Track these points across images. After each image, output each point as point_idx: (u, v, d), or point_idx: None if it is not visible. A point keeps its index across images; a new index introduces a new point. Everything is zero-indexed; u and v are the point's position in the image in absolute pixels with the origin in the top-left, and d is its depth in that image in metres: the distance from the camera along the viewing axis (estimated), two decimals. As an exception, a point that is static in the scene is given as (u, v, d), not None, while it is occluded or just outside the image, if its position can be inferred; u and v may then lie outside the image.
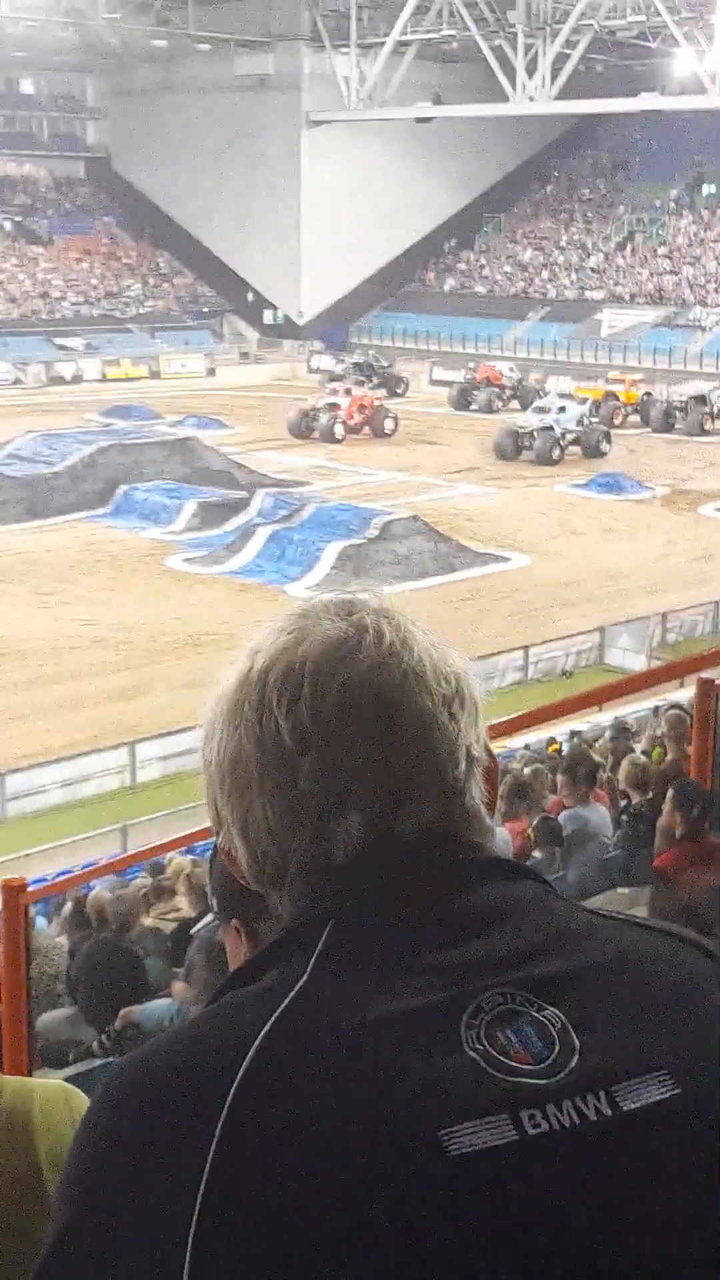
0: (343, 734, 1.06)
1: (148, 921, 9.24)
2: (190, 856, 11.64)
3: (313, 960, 1.01)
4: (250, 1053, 0.94)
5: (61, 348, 59.83)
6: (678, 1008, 1.01)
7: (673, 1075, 0.96)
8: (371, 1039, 0.95)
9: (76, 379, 57.72)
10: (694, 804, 5.80)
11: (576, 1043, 0.96)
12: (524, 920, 1.04)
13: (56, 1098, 2.41)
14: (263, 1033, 0.95)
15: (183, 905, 9.83)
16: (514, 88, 56.68)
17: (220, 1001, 1.03)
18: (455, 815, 1.10)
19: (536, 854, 8.29)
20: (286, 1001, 0.98)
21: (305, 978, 0.99)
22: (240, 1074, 0.93)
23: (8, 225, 67.05)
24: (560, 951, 1.02)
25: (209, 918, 7.12)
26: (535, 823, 8.77)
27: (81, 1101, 2.46)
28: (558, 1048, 0.95)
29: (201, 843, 11.35)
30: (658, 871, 5.79)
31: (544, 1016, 0.97)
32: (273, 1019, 0.96)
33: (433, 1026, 0.95)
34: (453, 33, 58.13)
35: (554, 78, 55.84)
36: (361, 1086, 0.92)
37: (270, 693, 1.08)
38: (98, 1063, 6.86)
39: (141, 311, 64.94)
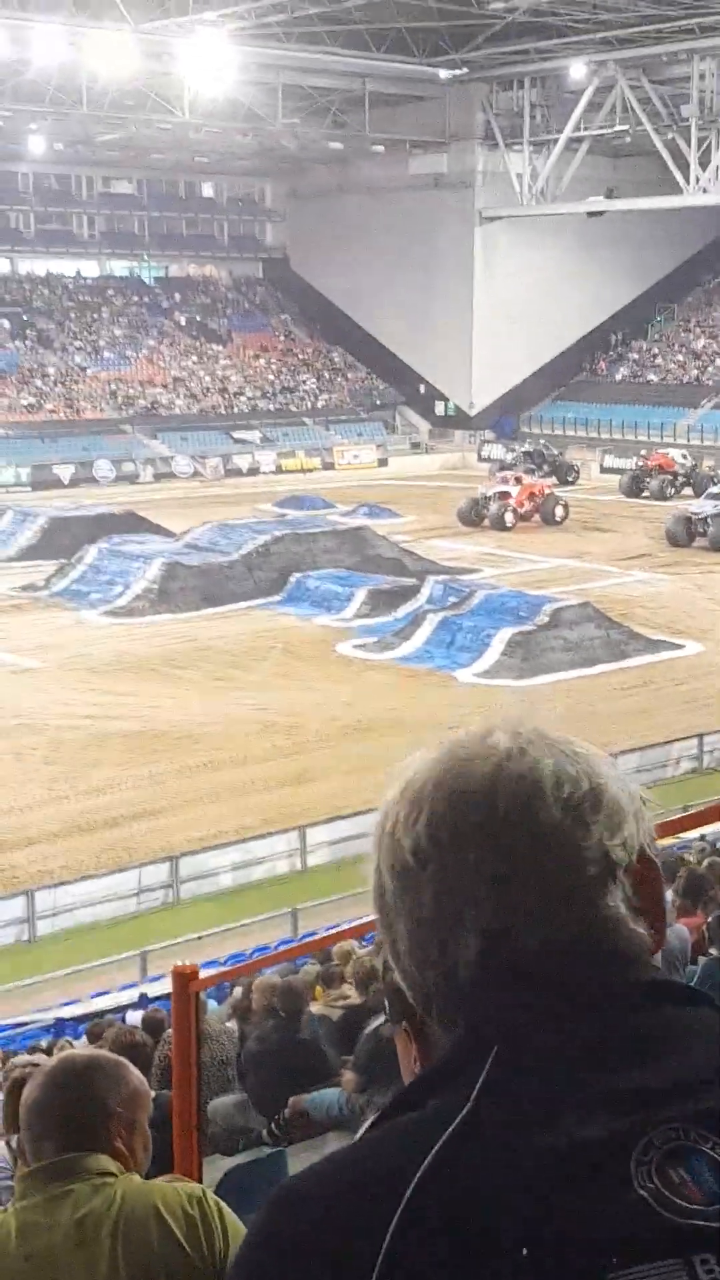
0: (456, 849, 1.05)
1: (316, 1008, 9.23)
2: (359, 943, 11.62)
3: (476, 1089, 0.97)
4: (411, 1187, 0.92)
5: (238, 441, 61.32)
6: None
7: None
8: (536, 1175, 0.91)
9: (253, 471, 59.03)
10: None
11: None
12: (698, 1049, 0.99)
13: (180, 1207, 2.37)
14: (424, 1166, 0.93)
15: (351, 993, 9.80)
16: (687, 180, 56.73)
17: (383, 1127, 1.01)
18: (590, 926, 1.06)
19: (712, 951, 8.08)
20: (449, 1134, 0.95)
21: (469, 1108, 0.96)
22: (401, 1209, 0.91)
23: (188, 324, 69.24)
24: None
25: (380, 1017, 7.10)
26: (711, 919, 8.55)
27: (212, 1207, 2.38)
28: None
29: (371, 934, 11.36)
30: None
31: (718, 1152, 0.91)
32: (434, 1151, 0.93)
33: (601, 1162, 0.91)
34: (625, 128, 58.53)
35: (728, 168, 55.78)
36: (526, 1226, 0.89)
37: (398, 813, 1.09)
38: (267, 1151, 6.84)
39: (316, 405, 66.24)
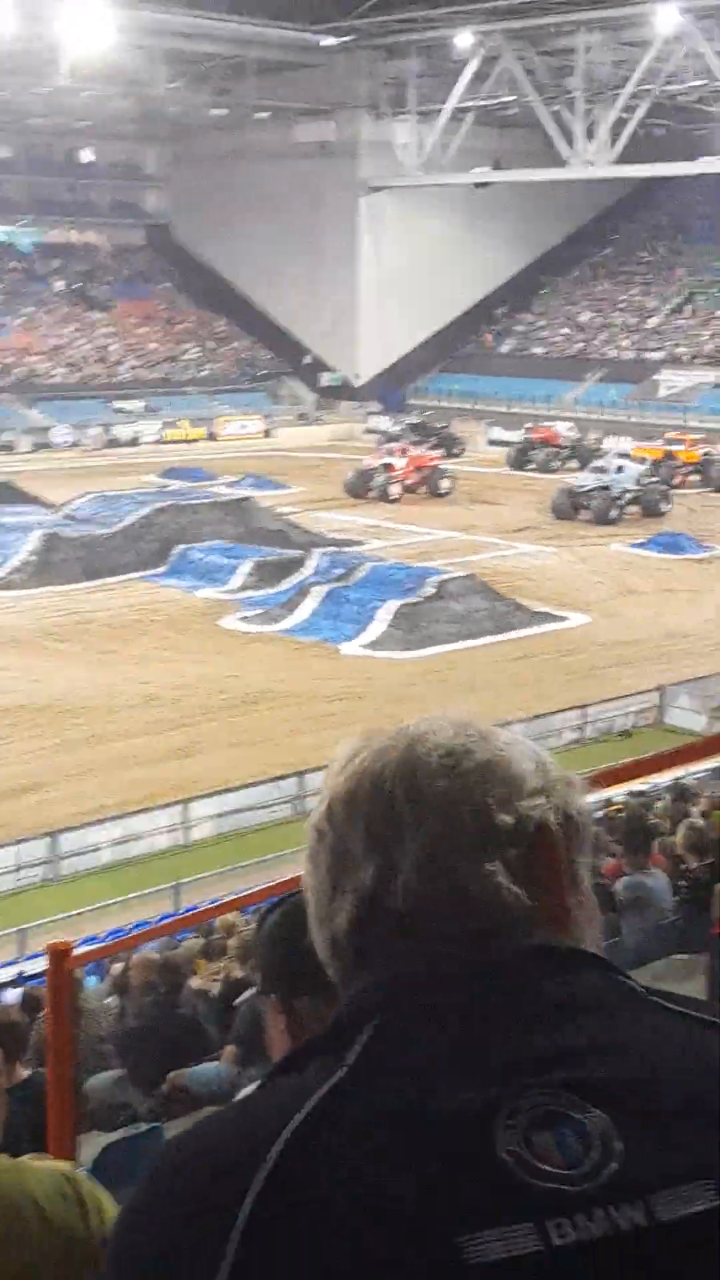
0: (347, 819, 1.10)
1: (196, 983, 9.12)
2: (241, 916, 11.52)
3: (354, 1055, 0.99)
4: (277, 1148, 0.93)
5: (120, 411, 60.53)
6: None
7: (719, 1185, 0.90)
8: (401, 1139, 0.92)
9: (134, 441, 58.32)
10: (756, 868, 5.63)
11: (618, 1147, 0.90)
12: (577, 1015, 1.00)
13: (54, 1186, 2.29)
14: (290, 1130, 0.94)
15: (233, 966, 9.72)
16: (572, 152, 57.11)
17: (261, 1090, 1.04)
18: (458, 887, 1.06)
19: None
20: (321, 1094, 0.96)
21: (342, 1074, 0.97)
22: (265, 1171, 0.92)
23: (68, 291, 68.11)
24: (612, 1050, 0.97)
25: (255, 989, 7.03)
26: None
27: (89, 1189, 2.37)
28: (597, 1152, 0.90)
29: (252, 905, 11.27)
30: (716, 939, 5.63)
31: (587, 1119, 0.92)
32: (305, 1112, 0.94)
33: (468, 1128, 0.91)
34: (511, 99, 58.71)
35: (613, 142, 56.23)
36: (385, 1189, 0.89)
37: (315, 804, 1.16)
38: (144, 1127, 6.74)
39: (199, 375, 65.66)
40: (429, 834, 1.07)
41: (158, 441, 58.46)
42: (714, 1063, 0.98)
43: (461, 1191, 0.89)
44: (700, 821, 10.27)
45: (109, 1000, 9.71)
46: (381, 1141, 0.92)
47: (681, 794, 14.48)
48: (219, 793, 20.29)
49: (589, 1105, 0.92)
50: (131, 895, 16.87)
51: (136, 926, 12.95)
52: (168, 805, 20.04)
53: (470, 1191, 0.88)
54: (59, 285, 68.13)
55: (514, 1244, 0.86)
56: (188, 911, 13.48)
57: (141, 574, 35.22)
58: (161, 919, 13.19)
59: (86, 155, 71.76)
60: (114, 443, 57.79)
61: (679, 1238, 0.88)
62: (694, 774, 16.33)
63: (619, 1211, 0.88)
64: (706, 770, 16.45)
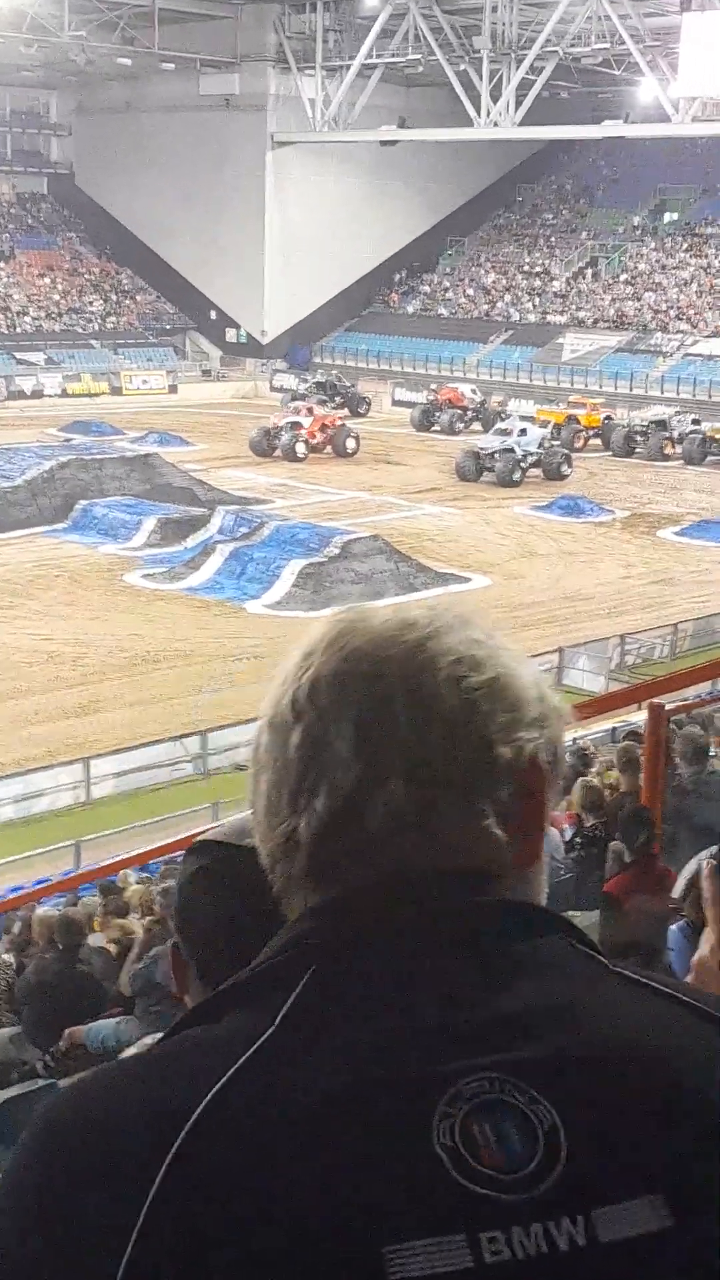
0: (333, 704, 0.95)
1: (95, 941, 9.15)
2: (142, 875, 11.55)
3: (283, 1011, 0.87)
4: (193, 1117, 0.81)
5: (22, 362, 59.57)
6: (693, 1117, 0.84)
7: (670, 1202, 0.80)
8: (327, 1118, 0.81)
9: (37, 394, 57.49)
10: (641, 829, 5.79)
11: (564, 1149, 0.80)
12: (535, 987, 0.88)
13: None
14: (210, 1094, 0.82)
15: (133, 925, 9.75)
16: (478, 113, 57.02)
17: (173, 1040, 0.90)
18: (450, 822, 0.94)
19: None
20: (243, 1060, 0.84)
21: (270, 1032, 0.86)
22: (177, 1143, 0.80)
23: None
24: (570, 1031, 0.86)
25: (159, 946, 7.07)
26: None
27: None
28: (541, 1153, 0.80)
29: (154, 861, 11.30)
30: (606, 896, 5.77)
31: (534, 1111, 0.81)
32: (224, 1079, 0.83)
33: (402, 1110, 0.81)
34: (418, 57, 58.43)
35: (518, 103, 56.21)
36: (306, 1178, 0.79)
37: (289, 666, 0.99)
38: (41, 1083, 6.77)
39: (104, 327, 64.81)
40: (428, 751, 0.93)
41: (60, 394, 57.69)
42: (678, 1047, 0.87)
43: (391, 1190, 0.78)
44: (595, 781, 10.46)
45: (6, 956, 9.70)
46: (304, 1122, 0.81)
47: (578, 754, 14.72)
48: (120, 750, 20.24)
49: (536, 1094, 0.82)
50: (32, 852, 16.81)
51: (36, 885, 12.93)
52: (69, 763, 19.97)
53: (400, 1190, 0.78)
54: (-41, 233, 66.76)
55: (443, 1258, 0.76)
56: (88, 869, 13.48)
57: (44, 529, 34.87)
58: (61, 875, 13.18)
59: (-12, 101, 70.22)
60: (16, 395, 56.93)
61: (620, 1263, 0.78)
62: (590, 735, 16.60)
63: (558, 1228, 0.78)
64: (603, 730, 16.73)
